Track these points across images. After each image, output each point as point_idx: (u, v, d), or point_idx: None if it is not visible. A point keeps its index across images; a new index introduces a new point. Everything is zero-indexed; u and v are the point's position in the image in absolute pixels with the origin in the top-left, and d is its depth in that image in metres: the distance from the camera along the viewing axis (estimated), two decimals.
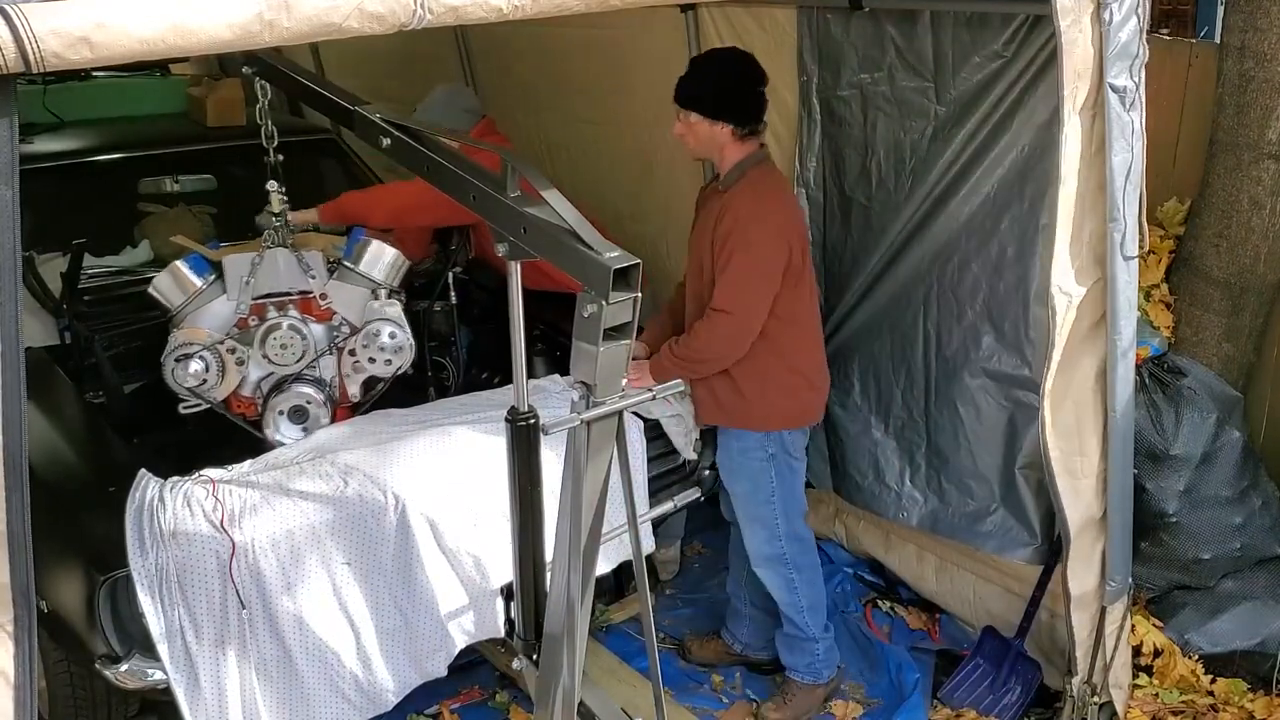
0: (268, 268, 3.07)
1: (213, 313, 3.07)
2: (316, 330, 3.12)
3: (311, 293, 3.11)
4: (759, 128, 2.95)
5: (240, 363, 3.02)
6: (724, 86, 2.91)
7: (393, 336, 3.09)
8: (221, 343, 2.99)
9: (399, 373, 3.18)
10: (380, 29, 1.90)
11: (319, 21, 1.82)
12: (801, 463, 3.16)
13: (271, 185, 3.09)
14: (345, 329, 3.14)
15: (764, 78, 2.94)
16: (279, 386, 3.06)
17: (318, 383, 3.11)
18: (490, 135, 3.90)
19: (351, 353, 3.13)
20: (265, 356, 3.03)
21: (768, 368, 2.97)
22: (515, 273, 2.16)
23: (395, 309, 3.17)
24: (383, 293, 3.22)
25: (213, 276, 3.09)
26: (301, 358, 3.06)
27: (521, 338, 2.23)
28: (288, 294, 3.10)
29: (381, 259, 3.24)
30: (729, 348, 2.92)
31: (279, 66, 2.86)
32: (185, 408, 3.03)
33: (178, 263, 3.11)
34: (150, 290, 3.11)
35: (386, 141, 2.31)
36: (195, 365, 2.93)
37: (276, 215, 3.10)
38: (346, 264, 3.22)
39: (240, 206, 4.15)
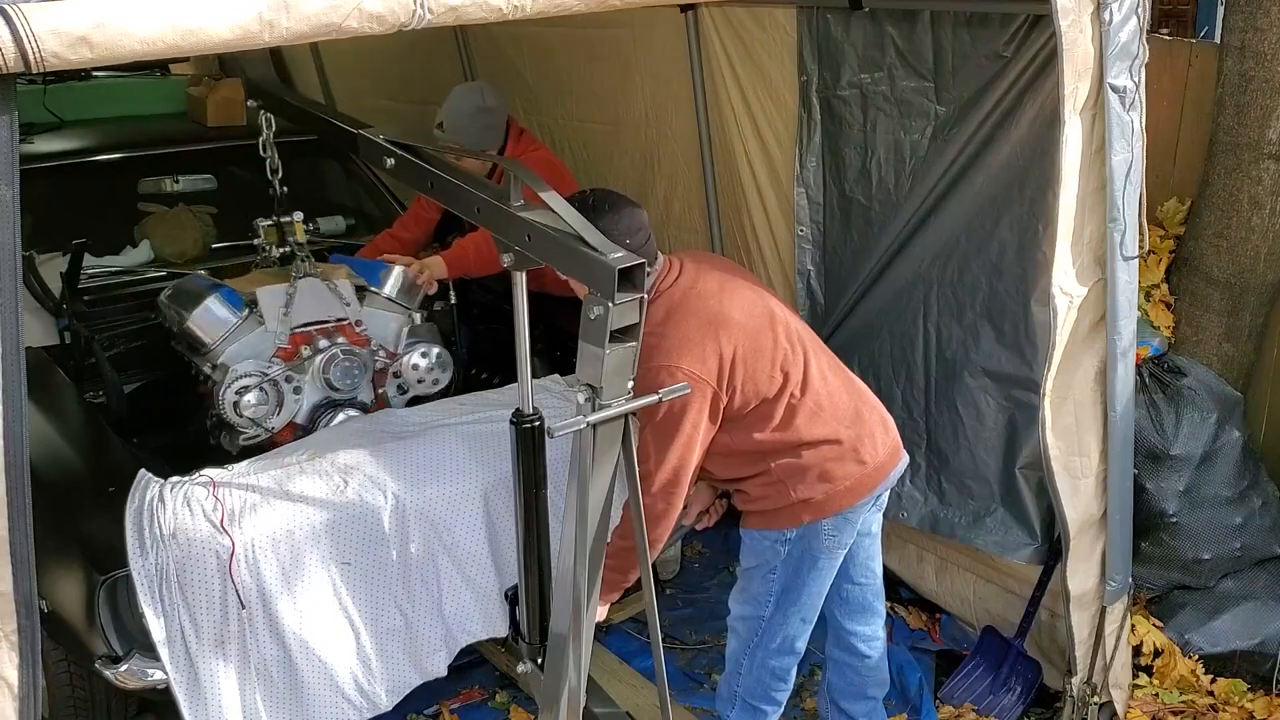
0: (303, 298, 3.16)
1: (251, 345, 3.13)
2: (364, 355, 3.22)
3: (347, 319, 3.21)
4: None
5: (297, 391, 3.09)
6: None
7: (439, 356, 3.28)
8: (277, 372, 3.06)
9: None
10: (380, 29, 1.90)
11: (319, 21, 1.82)
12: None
13: (296, 216, 3.22)
14: (382, 354, 3.25)
15: None
16: (325, 412, 3.15)
17: (361, 407, 3.21)
18: (521, 146, 3.82)
19: (396, 374, 3.26)
20: (328, 382, 3.11)
21: None
22: (520, 283, 2.16)
23: (432, 329, 3.38)
24: (417, 316, 3.36)
25: (245, 311, 3.16)
26: (360, 382, 3.17)
27: (527, 345, 2.23)
28: (325, 322, 3.19)
29: (403, 283, 3.39)
30: None
31: (284, 98, 2.90)
32: (245, 439, 3.09)
33: (211, 299, 3.16)
34: (186, 328, 3.16)
35: (390, 162, 2.35)
36: (255, 396, 3.00)
37: (300, 245, 3.21)
38: (373, 290, 3.35)
39: (240, 207, 4.16)
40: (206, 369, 3.14)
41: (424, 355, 3.26)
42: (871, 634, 2.90)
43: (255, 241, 3.40)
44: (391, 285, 3.38)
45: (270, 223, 3.35)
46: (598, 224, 2.10)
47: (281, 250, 3.41)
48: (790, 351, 2.57)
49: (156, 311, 3.40)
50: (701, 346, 2.45)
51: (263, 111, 3.12)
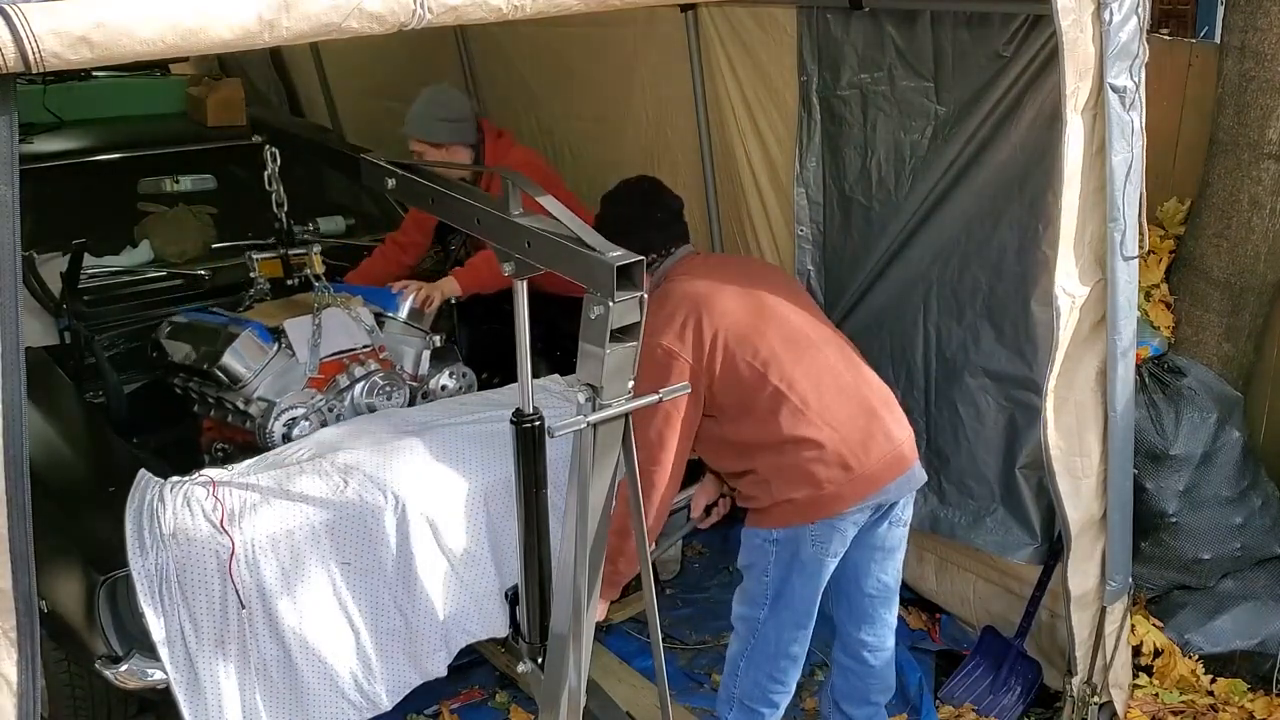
0: (329, 328, 3.22)
1: (284, 376, 3.17)
2: (399, 378, 3.29)
3: (371, 346, 3.28)
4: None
5: (339, 419, 3.14)
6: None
7: (466, 376, 3.41)
8: (320, 401, 3.11)
9: None
10: (380, 29, 1.90)
11: (319, 21, 1.83)
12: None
13: (315, 248, 3.33)
14: (406, 375, 3.32)
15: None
16: None
17: None
18: (501, 146, 3.84)
19: (425, 395, 3.35)
20: (371, 408, 3.17)
21: None
22: (521, 291, 2.17)
23: (451, 349, 3.49)
24: (436, 339, 3.44)
25: (275, 345, 3.21)
26: (402, 405, 3.23)
27: (527, 345, 2.23)
28: (351, 350, 3.25)
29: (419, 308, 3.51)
30: None
31: (287, 129, 2.97)
32: None
33: (246, 333, 3.20)
34: (222, 365, 3.18)
35: (391, 182, 2.38)
36: (305, 427, 3.05)
37: (318, 278, 3.29)
38: (389, 316, 3.44)
39: (240, 206, 4.17)
40: (238, 404, 3.16)
41: (452, 376, 3.36)
42: (878, 643, 2.89)
43: (252, 275, 3.49)
44: (407, 310, 3.48)
45: (267, 256, 3.47)
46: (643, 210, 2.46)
47: (273, 282, 3.51)
48: (780, 347, 2.59)
49: (156, 348, 3.43)
50: (683, 325, 2.55)
51: (268, 146, 3.24)
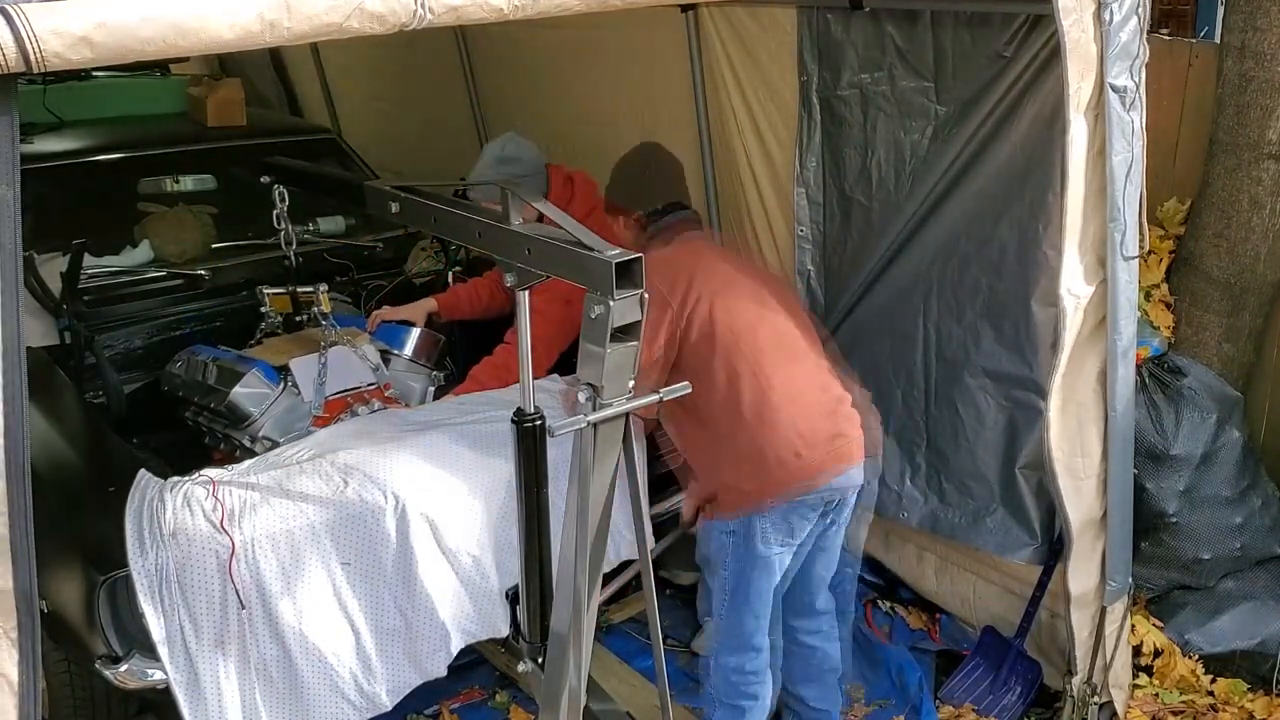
0: (334, 366, 3.25)
1: (289, 414, 3.21)
2: None
3: (375, 384, 3.31)
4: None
5: None
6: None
7: None
8: None
9: None
10: (381, 29, 1.90)
11: (319, 22, 1.83)
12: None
13: (321, 287, 3.40)
14: None
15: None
16: None
17: None
18: (567, 189, 3.66)
19: None
20: None
21: None
22: (523, 302, 2.18)
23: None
24: (440, 375, 3.50)
25: (281, 384, 3.24)
26: None
27: (528, 344, 2.24)
28: (356, 388, 3.27)
29: (424, 345, 3.54)
30: None
31: (292, 168, 3.25)
32: None
33: (252, 373, 3.23)
34: (229, 403, 3.22)
35: (395, 206, 2.39)
36: None
37: (325, 316, 3.36)
38: (395, 353, 3.47)
39: (240, 206, 4.17)
40: (244, 441, 3.18)
41: None
42: (813, 628, 2.97)
43: (262, 309, 3.53)
44: (412, 346, 3.50)
45: (279, 291, 3.51)
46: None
47: (284, 316, 3.55)
48: (759, 331, 2.67)
49: (166, 381, 3.46)
50: (675, 271, 2.65)
51: (276, 186, 3.28)
